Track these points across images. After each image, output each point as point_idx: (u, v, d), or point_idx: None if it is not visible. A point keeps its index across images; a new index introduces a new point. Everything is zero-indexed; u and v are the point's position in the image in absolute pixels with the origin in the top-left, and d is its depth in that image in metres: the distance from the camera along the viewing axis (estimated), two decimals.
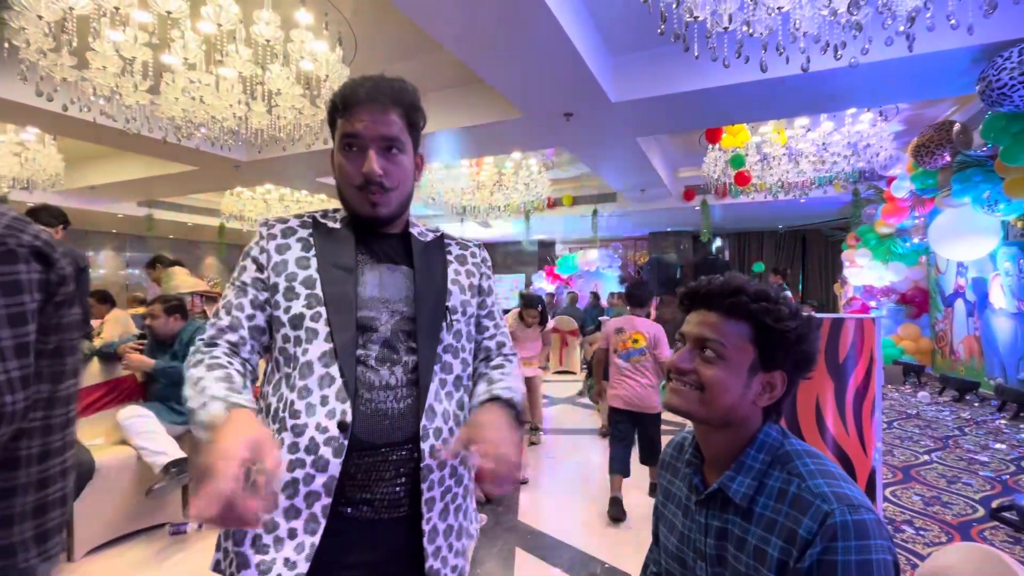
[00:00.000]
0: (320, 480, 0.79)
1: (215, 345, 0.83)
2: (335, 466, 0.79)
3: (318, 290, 0.84)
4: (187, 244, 13.09)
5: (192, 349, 0.83)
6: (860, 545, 0.64)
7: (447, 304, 0.91)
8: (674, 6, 2.46)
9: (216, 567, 0.87)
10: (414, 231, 0.96)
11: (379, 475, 0.82)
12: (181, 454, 2.49)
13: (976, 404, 5.51)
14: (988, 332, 5.61)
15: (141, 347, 2.79)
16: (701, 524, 0.81)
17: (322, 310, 0.83)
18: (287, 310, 0.84)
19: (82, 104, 3.40)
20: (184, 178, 7.03)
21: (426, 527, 0.84)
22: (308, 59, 3.35)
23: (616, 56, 4.34)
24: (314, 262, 0.86)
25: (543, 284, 12.28)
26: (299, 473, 0.79)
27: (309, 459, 0.79)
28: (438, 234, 1.00)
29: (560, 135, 5.45)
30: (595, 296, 10.05)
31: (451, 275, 0.95)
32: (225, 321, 0.85)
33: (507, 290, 13.72)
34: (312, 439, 0.79)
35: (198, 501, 0.55)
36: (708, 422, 0.79)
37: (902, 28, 2.37)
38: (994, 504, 2.84)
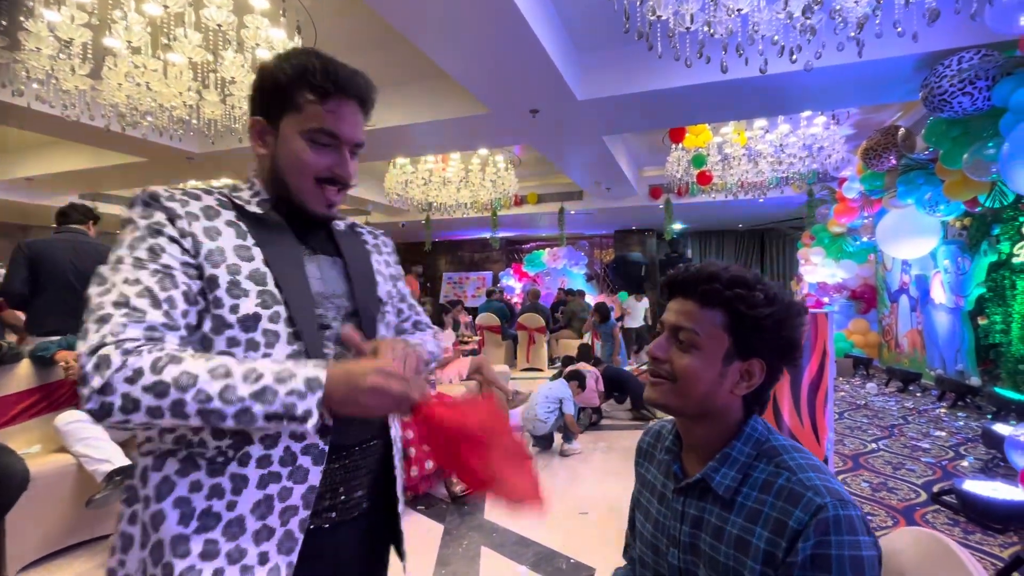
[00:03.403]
0: (298, 492, 0.72)
1: (158, 341, 0.65)
2: (315, 474, 0.73)
3: (271, 286, 0.73)
4: None
5: (127, 348, 0.61)
6: (852, 540, 0.64)
7: (378, 295, 0.89)
8: (638, 3, 2.49)
9: None
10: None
11: (347, 477, 0.80)
12: (126, 461, 2.34)
13: (918, 394, 5.82)
14: (929, 326, 5.94)
15: None
16: (677, 511, 0.81)
17: (281, 309, 0.73)
18: (234, 309, 0.70)
19: (14, 88, 3.16)
20: (132, 170, 6.64)
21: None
22: (264, 47, 3.21)
23: (583, 54, 4.36)
24: (257, 252, 0.75)
25: (511, 282, 12.30)
26: (273, 489, 0.71)
27: (285, 471, 0.72)
28: (348, 221, 0.95)
29: (526, 132, 5.44)
30: (563, 292, 10.12)
31: (374, 265, 0.92)
32: (158, 316, 0.65)
33: (473, 287, 13.67)
34: (287, 448, 0.72)
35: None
36: (685, 413, 0.79)
37: (852, 34, 2.46)
38: (935, 488, 3.01)
